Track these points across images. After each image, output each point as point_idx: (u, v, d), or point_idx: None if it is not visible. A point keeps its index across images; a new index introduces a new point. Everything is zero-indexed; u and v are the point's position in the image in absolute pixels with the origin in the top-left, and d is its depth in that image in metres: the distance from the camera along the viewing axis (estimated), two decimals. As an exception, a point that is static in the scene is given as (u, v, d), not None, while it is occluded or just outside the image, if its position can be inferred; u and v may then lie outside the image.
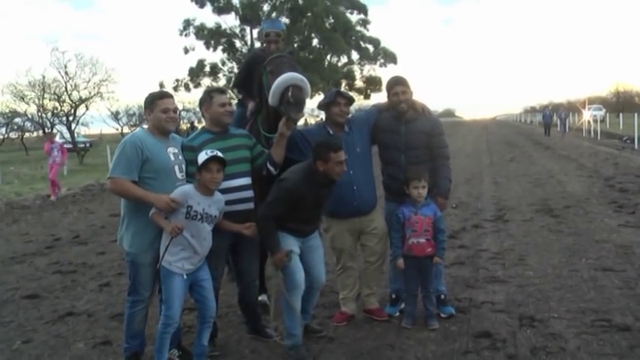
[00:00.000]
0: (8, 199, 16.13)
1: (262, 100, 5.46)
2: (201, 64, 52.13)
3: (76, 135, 40.31)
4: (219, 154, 4.38)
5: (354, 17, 52.86)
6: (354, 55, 54.99)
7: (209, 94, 4.85)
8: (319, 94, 54.42)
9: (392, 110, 5.40)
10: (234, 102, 6.30)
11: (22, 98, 39.50)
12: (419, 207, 5.17)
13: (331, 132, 5.27)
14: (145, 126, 4.70)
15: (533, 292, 5.99)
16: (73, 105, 38.76)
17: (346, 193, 5.16)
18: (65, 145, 19.83)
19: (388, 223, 5.43)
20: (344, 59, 54.89)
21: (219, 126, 4.80)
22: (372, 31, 56.04)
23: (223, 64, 53.41)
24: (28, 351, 5.18)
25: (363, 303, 5.57)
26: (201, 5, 49.91)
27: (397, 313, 5.47)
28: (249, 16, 49.71)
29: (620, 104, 72.81)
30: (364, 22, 53.78)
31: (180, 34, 51.35)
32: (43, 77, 38.57)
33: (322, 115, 5.81)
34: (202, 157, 4.33)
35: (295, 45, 45.67)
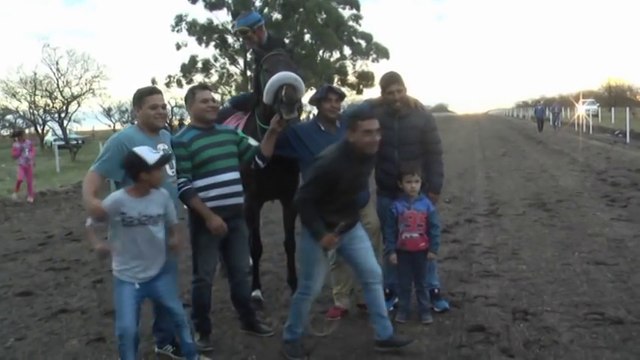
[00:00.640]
0: (0, 196, 16.04)
1: (259, 96, 5.47)
2: (193, 60, 51.98)
3: (68, 132, 40.15)
4: (164, 154, 4.25)
5: (346, 12, 52.80)
6: (347, 51, 54.92)
7: (192, 91, 4.89)
8: (311, 89, 54.35)
9: (385, 106, 5.38)
10: (224, 98, 6.32)
11: (14, 95, 39.35)
12: (412, 202, 5.18)
13: (323, 128, 5.29)
14: (135, 122, 4.68)
15: (526, 286, 6.02)
16: (65, 102, 38.61)
17: None
18: (57, 142, 19.56)
19: (381, 217, 5.43)
20: (336, 54, 54.82)
21: (203, 122, 4.81)
22: (364, 27, 55.92)
23: (216, 60, 53.28)
24: (22, 348, 5.16)
25: (356, 297, 5.57)
26: (193, 1, 49.73)
27: (391, 308, 5.47)
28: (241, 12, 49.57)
29: (612, 98, 73.12)
30: (356, 18, 53.72)
31: (172, 30, 51.17)
32: (35, 74, 38.46)
33: (314, 110, 5.77)
34: (150, 155, 4.07)
35: (287, 40, 45.53)
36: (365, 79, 54.00)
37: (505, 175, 15.59)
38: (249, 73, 49.62)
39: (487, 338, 4.79)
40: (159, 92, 4.59)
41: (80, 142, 41.78)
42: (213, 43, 52.14)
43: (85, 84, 39.53)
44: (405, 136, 5.32)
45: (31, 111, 40.60)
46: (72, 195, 16.60)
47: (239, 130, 5.72)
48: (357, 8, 53.32)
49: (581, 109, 44.49)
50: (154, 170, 4.07)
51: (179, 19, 50.76)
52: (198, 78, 51.93)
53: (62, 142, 33.66)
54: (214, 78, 53.43)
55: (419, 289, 5.31)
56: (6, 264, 8.33)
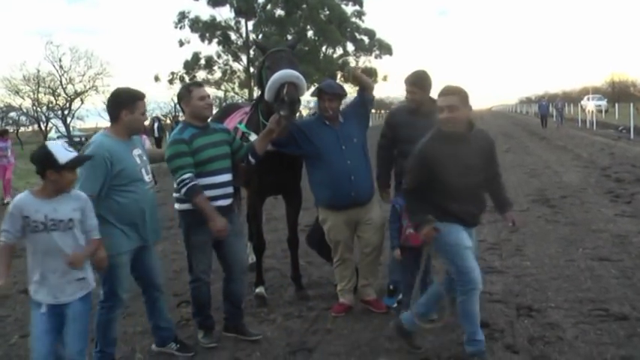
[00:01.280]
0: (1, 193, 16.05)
1: (262, 92, 5.46)
2: (196, 56, 52.03)
3: (71, 129, 40.23)
4: (79, 156, 3.81)
5: (349, 9, 52.79)
6: (350, 47, 54.91)
7: (187, 89, 4.80)
8: (314, 85, 54.25)
9: (407, 104, 5.39)
10: (227, 95, 6.33)
11: (17, 92, 39.45)
12: None
13: (327, 123, 5.28)
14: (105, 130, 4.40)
15: (530, 282, 6.01)
16: (68, 99, 38.74)
17: (343, 184, 5.14)
18: (61, 140, 19.38)
19: (394, 214, 5.44)
20: (339, 51, 54.80)
21: (199, 120, 4.73)
22: (367, 23, 56.02)
23: (219, 56, 53.33)
24: (26, 345, 5.14)
25: (360, 294, 5.57)
26: (196, -3, 49.70)
27: (395, 304, 5.47)
28: (244, 9, 49.61)
29: (616, 94, 72.85)
30: (359, 14, 53.67)
31: (175, 27, 51.25)
32: (38, 71, 38.59)
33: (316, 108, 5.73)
34: (63, 154, 3.59)
35: (289, 37, 45.54)
36: (368, 75, 53.85)
37: (509, 171, 15.52)
38: (252, 69, 49.67)
39: (491, 334, 4.78)
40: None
41: (84, 139, 41.79)
42: (216, 40, 52.18)
43: (89, 81, 39.68)
44: (425, 135, 5.27)
45: (35, 108, 40.72)
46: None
47: (242, 125, 5.72)
48: (360, 4, 53.28)
49: (591, 105, 44.36)
50: (65, 171, 3.59)
51: (182, 15, 50.81)
52: (201, 75, 52.04)
53: (65, 140, 33.72)
54: (217, 75, 53.50)
55: (423, 285, 5.28)
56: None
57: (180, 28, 51.23)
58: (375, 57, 55.31)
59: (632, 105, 28.67)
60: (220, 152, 4.74)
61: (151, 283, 4.61)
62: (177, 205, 4.76)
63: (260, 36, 47.38)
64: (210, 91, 55.53)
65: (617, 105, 43.72)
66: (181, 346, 4.73)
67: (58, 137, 36.83)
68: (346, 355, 4.62)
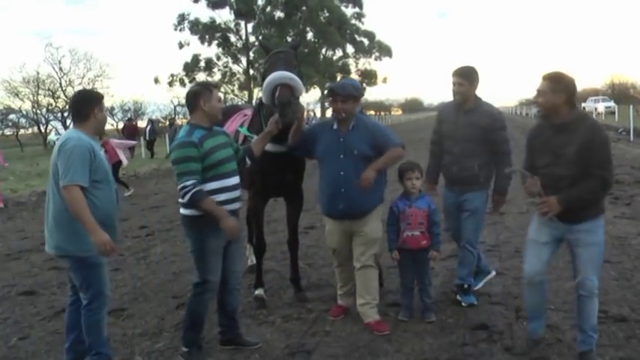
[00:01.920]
0: (4, 195, 16.05)
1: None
2: (196, 59, 52.14)
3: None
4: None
5: (348, 11, 52.99)
6: (349, 49, 55.10)
7: (208, 88, 4.57)
8: (314, 87, 54.45)
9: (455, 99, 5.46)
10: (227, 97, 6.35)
11: (17, 94, 39.52)
12: (413, 200, 5.17)
13: (335, 127, 5.06)
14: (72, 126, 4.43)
15: (529, 284, 5.99)
16: (68, 101, 38.67)
17: (333, 195, 4.98)
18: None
19: (444, 209, 5.66)
20: (339, 53, 54.95)
21: (212, 122, 4.56)
22: (366, 25, 56.13)
23: (218, 58, 53.48)
24: (25, 347, 5.17)
25: (361, 315, 5.21)
26: (196, 0, 49.82)
27: (476, 302, 5.50)
28: (244, 11, 49.70)
29: (616, 96, 72.82)
30: (359, 16, 53.84)
31: (175, 29, 51.43)
32: (37, 73, 38.72)
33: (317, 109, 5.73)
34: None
35: (289, 39, 45.57)
36: (368, 77, 54.05)
37: (508, 173, 15.52)
38: (251, 71, 49.72)
39: (490, 336, 4.79)
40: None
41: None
42: (215, 42, 52.30)
43: (88, 83, 39.81)
44: (467, 132, 5.31)
45: (34, 110, 40.76)
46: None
47: (244, 128, 5.73)
48: (360, 6, 53.44)
49: (601, 107, 44.22)
50: None
51: (182, 17, 50.95)
52: (201, 77, 52.11)
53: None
54: (217, 77, 53.62)
55: (421, 287, 5.29)
56: (9, 263, 8.33)
57: (180, 30, 51.40)
58: (375, 59, 55.46)
59: (631, 107, 28.63)
60: (229, 154, 4.58)
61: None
62: (187, 211, 4.48)
63: (260, 38, 47.44)
64: (210, 93, 55.66)
65: (616, 107, 43.77)
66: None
67: (57, 139, 36.83)
68: (345, 357, 4.61)
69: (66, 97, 39.04)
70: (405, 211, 5.15)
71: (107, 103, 46.09)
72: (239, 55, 53.11)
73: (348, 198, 4.90)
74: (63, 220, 4.19)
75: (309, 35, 51.99)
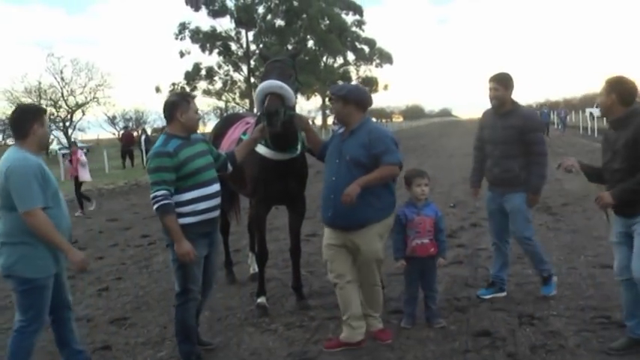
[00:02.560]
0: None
1: None
2: (197, 67, 52.26)
3: (73, 140, 40.31)
4: None
5: (349, 18, 53.16)
6: (350, 56, 55.24)
7: (185, 99, 4.61)
8: (315, 95, 54.55)
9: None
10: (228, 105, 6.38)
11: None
12: (421, 207, 5.14)
13: (340, 130, 4.98)
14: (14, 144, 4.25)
15: (532, 290, 5.99)
16: (70, 110, 38.94)
17: (325, 200, 4.85)
18: (62, 151, 19.28)
19: (488, 211, 5.89)
20: (340, 60, 55.09)
21: (189, 132, 4.58)
22: (367, 32, 56.25)
23: (219, 67, 53.59)
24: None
25: (366, 324, 5.00)
26: (197, 9, 50.00)
27: (553, 292, 5.72)
28: (245, 19, 49.85)
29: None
30: (359, 23, 54.01)
31: (176, 38, 51.58)
32: (39, 83, 38.75)
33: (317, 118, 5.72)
34: None
35: (289, 47, 45.68)
36: (369, 84, 54.11)
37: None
38: (252, 79, 49.81)
39: (493, 343, 4.77)
40: (46, 111, 4.55)
41: (85, 150, 41.88)
42: (216, 51, 52.43)
43: (90, 92, 39.93)
44: (503, 134, 5.54)
45: (36, 120, 40.79)
46: (77, 203, 16.61)
47: (246, 136, 5.74)
48: (360, 14, 53.60)
49: None
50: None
51: (182, 26, 51.10)
52: (202, 85, 52.25)
53: (67, 151, 33.75)
54: (218, 85, 53.74)
55: (428, 294, 5.26)
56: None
57: (181, 39, 51.55)
58: (376, 66, 55.59)
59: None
60: (207, 162, 4.60)
61: (65, 303, 4.44)
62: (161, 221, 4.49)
63: (260, 46, 47.60)
64: (211, 101, 55.75)
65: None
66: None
67: (59, 149, 36.88)
68: (348, 364, 4.60)
69: (67, 106, 39.17)
70: (414, 219, 5.09)
71: (109, 112, 45.87)
72: (240, 64, 53.25)
73: (336, 205, 4.64)
74: (12, 240, 4.05)
75: (310, 43, 52.15)
